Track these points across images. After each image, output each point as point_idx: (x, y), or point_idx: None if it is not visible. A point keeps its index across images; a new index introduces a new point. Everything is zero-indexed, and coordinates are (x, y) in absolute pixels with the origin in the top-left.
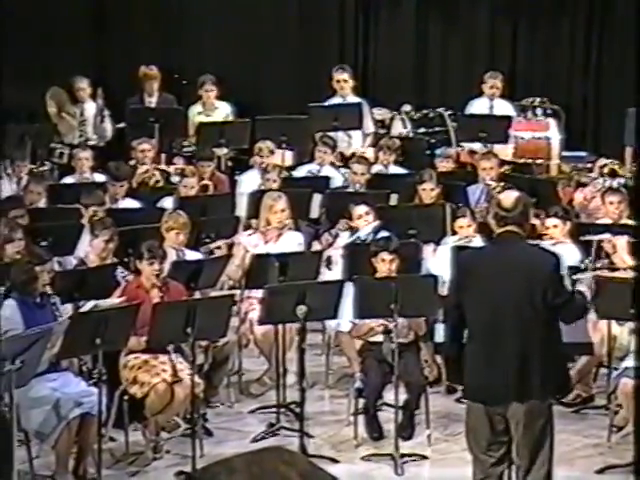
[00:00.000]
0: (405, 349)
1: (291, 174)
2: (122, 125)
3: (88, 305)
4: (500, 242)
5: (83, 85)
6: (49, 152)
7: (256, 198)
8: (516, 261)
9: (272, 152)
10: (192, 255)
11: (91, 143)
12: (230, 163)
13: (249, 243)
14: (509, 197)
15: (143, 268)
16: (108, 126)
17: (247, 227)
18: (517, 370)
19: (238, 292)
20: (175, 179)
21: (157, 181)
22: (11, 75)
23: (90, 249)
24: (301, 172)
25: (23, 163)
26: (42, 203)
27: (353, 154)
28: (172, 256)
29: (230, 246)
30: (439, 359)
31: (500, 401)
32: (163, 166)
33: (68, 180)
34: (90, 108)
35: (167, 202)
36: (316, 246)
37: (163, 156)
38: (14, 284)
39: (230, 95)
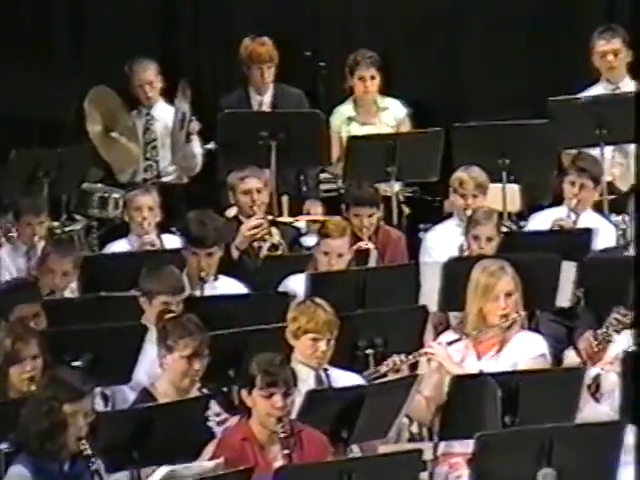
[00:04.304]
0: None
1: (520, 227)
2: (211, 146)
3: (159, 473)
4: None
5: (150, 76)
6: (82, 198)
7: (458, 273)
8: None
9: (482, 187)
10: (343, 379)
11: (166, 179)
12: (408, 209)
13: (449, 357)
14: None
15: (255, 404)
16: (197, 148)
17: (441, 326)
18: None
19: (430, 445)
20: (308, 241)
21: (275, 246)
22: (17, 69)
23: (160, 371)
24: (539, 222)
25: (37, 219)
26: (71, 290)
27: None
28: (307, 381)
29: (414, 363)
30: None
31: None
32: (286, 217)
33: (117, 248)
34: (163, 115)
35: (295, 282)
36: (570, 358)
37: (285, 199)
38: (26, 438)
39: (401, 88)
